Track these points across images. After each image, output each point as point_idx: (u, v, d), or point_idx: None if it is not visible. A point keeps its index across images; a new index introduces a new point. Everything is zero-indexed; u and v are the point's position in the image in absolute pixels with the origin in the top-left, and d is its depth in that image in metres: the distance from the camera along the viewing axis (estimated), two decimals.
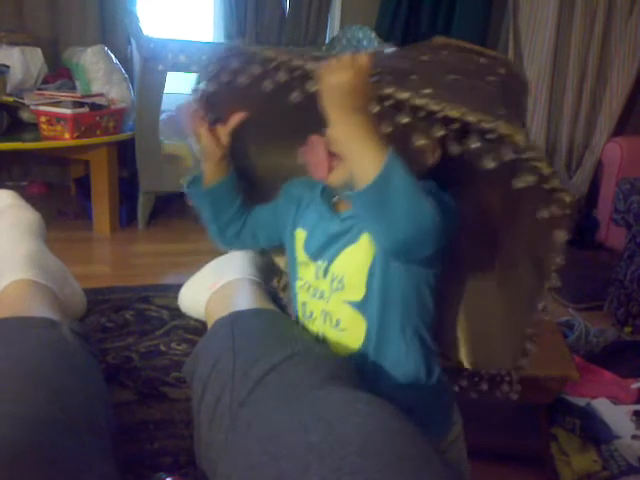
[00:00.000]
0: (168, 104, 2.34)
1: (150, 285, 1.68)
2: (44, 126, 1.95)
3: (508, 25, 2.73)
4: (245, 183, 0.98)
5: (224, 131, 0.88)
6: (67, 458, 0.62)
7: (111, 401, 0.88)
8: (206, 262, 1.29)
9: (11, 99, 2.03)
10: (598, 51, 2.62)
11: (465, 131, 0.63)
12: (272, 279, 1.16)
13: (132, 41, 2.37)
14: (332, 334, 0.81)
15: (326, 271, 0.81)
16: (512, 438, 1.15)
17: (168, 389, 1.16)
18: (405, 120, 0.64)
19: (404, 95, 0.62)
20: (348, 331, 0.80)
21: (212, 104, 0.87)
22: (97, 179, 2.15)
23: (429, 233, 0.64)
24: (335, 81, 0.60)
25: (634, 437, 1.16)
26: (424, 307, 0.80)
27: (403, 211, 0.62)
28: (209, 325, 1.06)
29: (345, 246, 0.79)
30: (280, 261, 1.08)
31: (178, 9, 2.82)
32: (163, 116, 2.34)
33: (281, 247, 0.95)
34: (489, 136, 0.61)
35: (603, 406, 1.24)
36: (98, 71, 2.20)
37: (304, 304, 0.86)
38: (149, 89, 2.16)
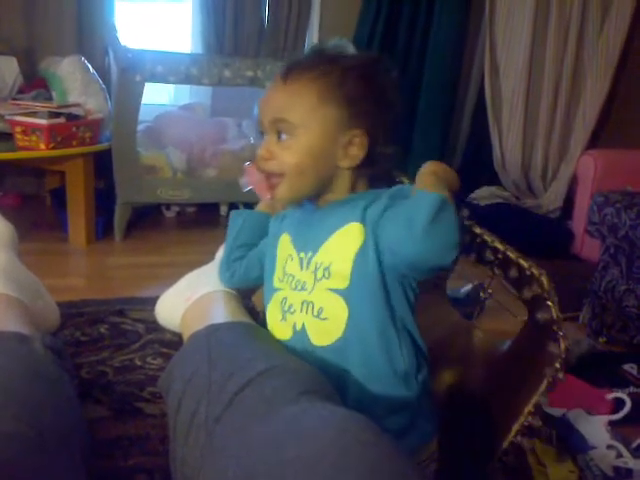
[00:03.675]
0: (145, 115, 2.33)
1: (125, 298, 1.66)
2: (19, 136, 1.92)
3: (485, 38, 2.77)
4: None
5: None
6: (35, 475, 0.60)
7: (84, 417, 0.87)
8: (183, 274, 1.28)
9: None
10: (572, 65, 2.67)
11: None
12: (251, 293, 1.15)
13: (110, 51, 2.36)
14: (313, 323, 0.81)
15: (309, 261, 0.83)
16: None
17: (143, 404, 1.15)
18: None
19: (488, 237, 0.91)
20: (330, 320, 0.80)
21: None
22: (73, 190, 2.13)
23: (452, 257, 0.72)
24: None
25: (609, 447, 1.17)
26: (410, 305, 0.81)
27: (445, 231, 0.71)
28: (185, 338, 1.05)
29: (330, 234, 0.81)
30: None
31: (156, 20, 2.82)
32: (140, 127, 2.33)
33: None
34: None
35: (579, 417, 1.25)
36: (75, 81, 2.18)
37: (285, 299, 0.86)
38: (126, 100, 2.15)
